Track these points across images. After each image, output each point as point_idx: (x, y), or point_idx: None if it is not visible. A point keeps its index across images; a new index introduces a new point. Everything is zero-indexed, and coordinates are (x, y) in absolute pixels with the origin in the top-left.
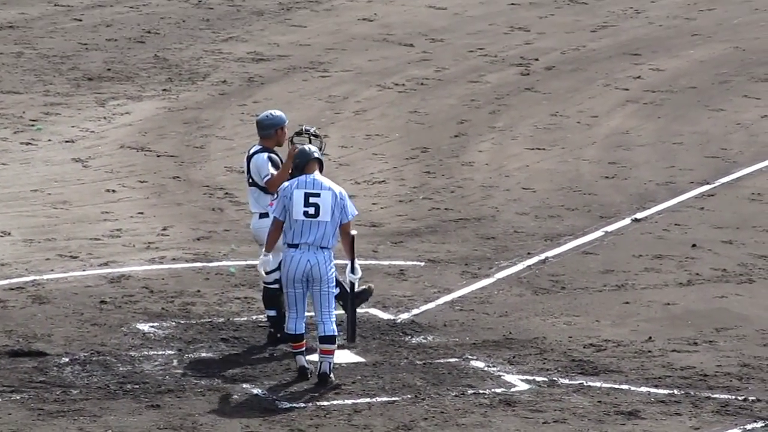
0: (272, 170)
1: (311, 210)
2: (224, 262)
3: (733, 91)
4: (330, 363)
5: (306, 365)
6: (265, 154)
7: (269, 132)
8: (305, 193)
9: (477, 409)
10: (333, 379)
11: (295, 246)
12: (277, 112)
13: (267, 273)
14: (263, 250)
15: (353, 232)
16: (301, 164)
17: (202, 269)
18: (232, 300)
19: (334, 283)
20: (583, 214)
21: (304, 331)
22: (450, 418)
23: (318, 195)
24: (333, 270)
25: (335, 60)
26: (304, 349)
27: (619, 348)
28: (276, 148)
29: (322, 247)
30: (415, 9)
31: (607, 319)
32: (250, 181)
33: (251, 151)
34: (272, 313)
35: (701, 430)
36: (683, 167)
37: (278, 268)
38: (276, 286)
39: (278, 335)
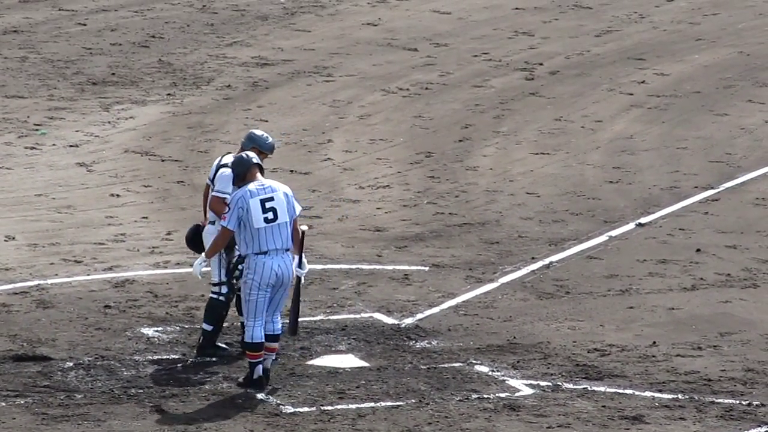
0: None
1: (270, 215)
2: None
3: (737, 96)
4: (272, 360)
5: (263, 376)
6: (228, 170)
7: (247, 144)
8: (260, 200)
9: (481, 413)
10: (269, 377)
11: (264, 253)
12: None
13: (214, 284)
14: (203, 255)
15: (303, 227)
16: (242, 172)
17: (207, 274)
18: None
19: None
20: (587, 218)
21: (263, 341)
22: (454, 423)
23: (272, 198)
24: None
25: (339, 64)
26: (262, 359)
27: (623, 353)
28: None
29: (287, 250)
30: (419, 14)
31: (612, 324)
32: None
33: (225, 161)
34: (209, 327)
35: None
36: (687, 172)
37: (225, 282)
38: (223, 298)
39: (209, 350)
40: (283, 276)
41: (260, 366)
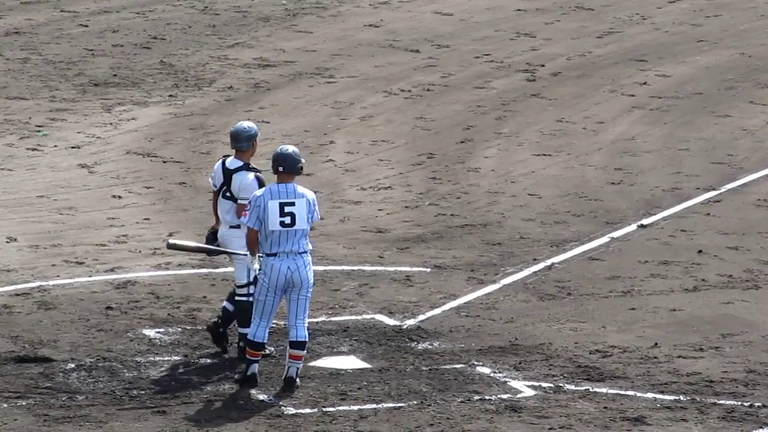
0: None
1: (287, 219)
2: (230, 268)
3: (739, 97)
4: (297, 368)
5: (257, 374)
6: (252, 174)
7: (248, 144)
8: (280, 203)
9: (483, 415)
10: (299, 383)
11: (274, 255)
12: (252, 124)
13: (239, 287)
14: (247, 254)
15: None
16: (274, 168)
17: (208, 275)
18: None
19: (312, 288)
20: (589, 220)
21: (267, 341)
22: (456, 424)
23: (293, 204)
24: (312, 273)
25: (341, 66)
26: (260, 358)
27: (625, 354)
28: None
29: (300, 253)
30: (421, 15)
31: (613, 325)
32: (228, 194)
33: (232, 166)
34: (229, 305)
35: None
36: (689, 173)
37: (251, 282)
38: (252, 299)
39: (220, 329)
40: (293, 277)
41: (255, 364)
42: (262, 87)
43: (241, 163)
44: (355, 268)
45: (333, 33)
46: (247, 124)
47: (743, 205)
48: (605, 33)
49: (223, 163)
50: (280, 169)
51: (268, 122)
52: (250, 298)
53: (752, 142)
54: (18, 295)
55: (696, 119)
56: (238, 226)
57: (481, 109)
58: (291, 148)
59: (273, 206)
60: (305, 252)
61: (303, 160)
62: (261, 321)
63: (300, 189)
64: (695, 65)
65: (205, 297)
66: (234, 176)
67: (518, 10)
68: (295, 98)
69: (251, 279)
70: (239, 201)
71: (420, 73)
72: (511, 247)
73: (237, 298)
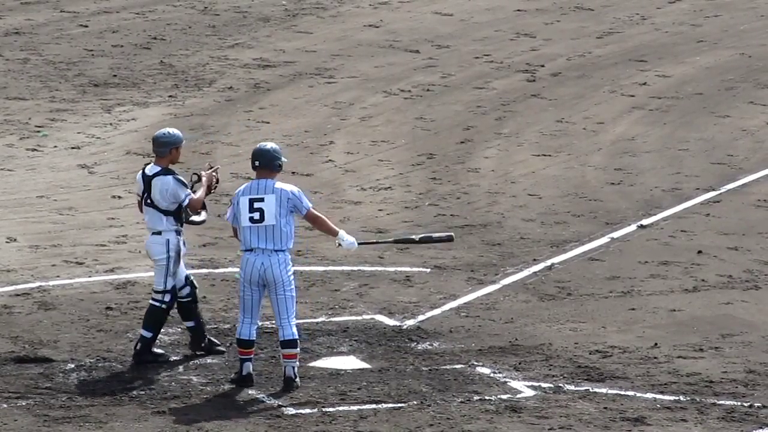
0: (189, 191)
1: (256, 215)
2: (230, 269)
3: (739, 98)
4: (294, 367)
5: (252, 373)
6: (171, 177)
7: (164, 150)
8: (250, 199)
9: (483, 415)
10: (298, 382)
11: (250, 251)
12: (175, 131)
13: (156, 292)
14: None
15: (317, 214)
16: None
17: (208, 275)
18: (238, 306)
19: (292, 286)
20: (588, 220)
21: (255, 338)
22: (456, 425)
23: (262, 200)
24: (290, 272)
25: (341, 66)
26: (252, 356)
27: (625, 354)
28: (171, 166)
29: (276, 250)
30: (421, 15)
31: (613, 326)
32: (148, 201)
33: (150, 172)
34: (190, 324)
35: None
36: (689, 173)
37: (167, 290)
38: (164, 306)
39: (202, 344)
40: (266, 274)
41: (248, 363)
42: (262, 87)
43: (158, 169)
44: (355, 268)
45: (333, 33)
46: (169, 130)
47: (743, 205)
48: (605, 33)
49: (143, 170)
50: (256, 164)
51: (268, 122)
52: (164, 305)
53: (752, 142)
54: (18, 295)
55: (696, 119)
56: (159, 233)
57: (481, 109)
58: (270, 145)
59: (243, 202)
60: (282, 250)
61: (283, 159)
62: (245, 318)
63: (278, 185)
64: (695, 65)
65: (204, 297)
66: (152, 182)
67: (518, 10)
68: (295, 98)
69: (168, 287)
70: (186, 201)
71: (420, 74)
72: (511, 247)
73: (152, 302)
